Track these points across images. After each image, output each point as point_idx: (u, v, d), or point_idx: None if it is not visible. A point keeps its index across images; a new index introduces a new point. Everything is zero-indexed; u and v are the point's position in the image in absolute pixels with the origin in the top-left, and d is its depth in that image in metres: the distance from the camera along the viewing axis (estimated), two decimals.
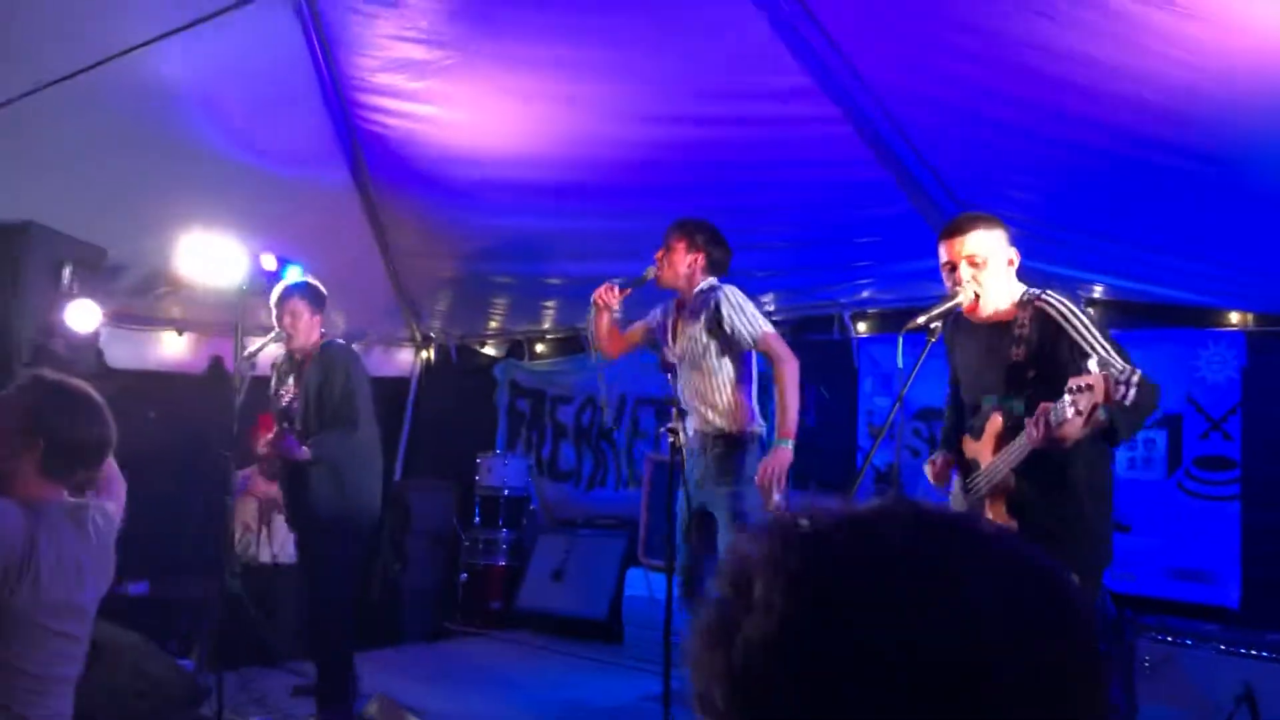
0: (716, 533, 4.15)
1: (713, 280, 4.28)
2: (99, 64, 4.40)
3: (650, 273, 4.30)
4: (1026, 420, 2.93)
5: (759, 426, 4.19)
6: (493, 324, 8.08)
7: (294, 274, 5.32)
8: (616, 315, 4.44)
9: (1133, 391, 2.69)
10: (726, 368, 4.15)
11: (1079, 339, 3.01)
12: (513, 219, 6.16)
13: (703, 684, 0.68)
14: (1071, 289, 5.50)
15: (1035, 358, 3.10)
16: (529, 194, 5.87)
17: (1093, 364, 2.74)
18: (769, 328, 4.20)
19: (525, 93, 5.13)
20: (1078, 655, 0.66)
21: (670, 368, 4.33)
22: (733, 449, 4.13)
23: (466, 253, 6.82)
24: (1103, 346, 2.98)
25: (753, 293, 6.60)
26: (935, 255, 5.14)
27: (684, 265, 4.27)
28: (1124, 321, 5.53)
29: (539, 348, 8.18)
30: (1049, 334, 3.08)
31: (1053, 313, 3.07)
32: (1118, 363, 2.80)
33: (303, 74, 5.35)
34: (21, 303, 4.44)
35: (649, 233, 5.81)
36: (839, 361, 6.51)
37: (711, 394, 4.16)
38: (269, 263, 5.36)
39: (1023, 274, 3.30)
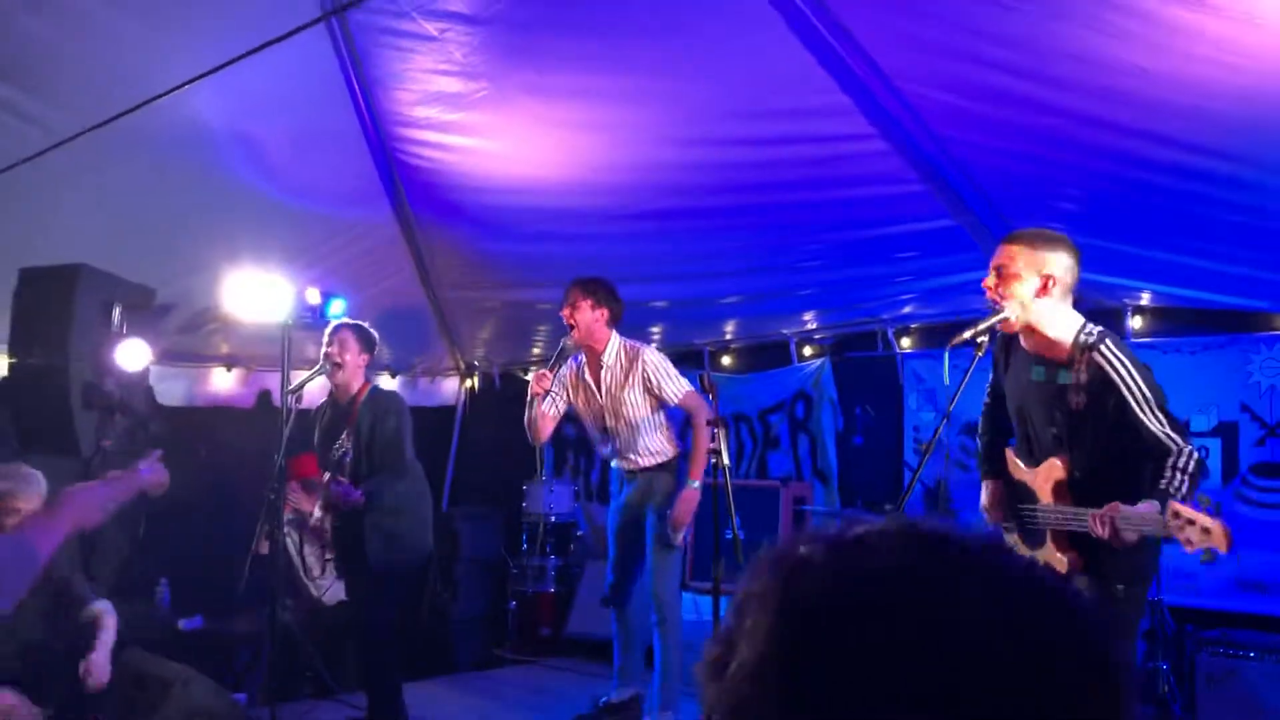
0: (646, 546, 4.87)
1: (624, 341, 4.91)
2: (141, 105, 4.48)
3: (569, 343, 4.80)
4: (1091, 517, 2.88)
5: (678, 448, 4.98)
6: (535, 350, 8.12)
7: (338, 307, 5.40)
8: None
9: (1187, 482, 2.78)
10: (656, 419, 4.89)
11: (1133, 403, 2.96)
12: (552, 246, 6.19)
13: (709, 713, 0.67)
14: (1118, 297, 5.44)
15: (1090, 407, 3.05)
16: (567, 221, 5.91)
17: (1205, 519, 2.68)
18: (687, 385, 4.88)
19: (559, 121, 5.16)
20: (1088, 678, 0.62)
21: (590, 415, 5.00)
22: (664, 470, 4.92)
23: (507, 281, 6.86)
24: (1158, 417, 2.93)
25: (793, 311, 6.66)
26: (977, 269, 5.11)
27: (591, 321, 4.82)
28: (1173, 329, 5.45)
29: None
30: (1100, 387, 3.01)
31: (1109, 369, 3.00)
32: (1177, 440, 2.87)
33: (342, 110, 5.43)
34: (74, 343, 4.52)
35: (689, 255, 5.86)
36: (882, 378, 6.47)
37: (647, 441, 4.89)
38: (313, 297, 5.44)
39: None
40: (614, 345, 4.91)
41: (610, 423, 4.94)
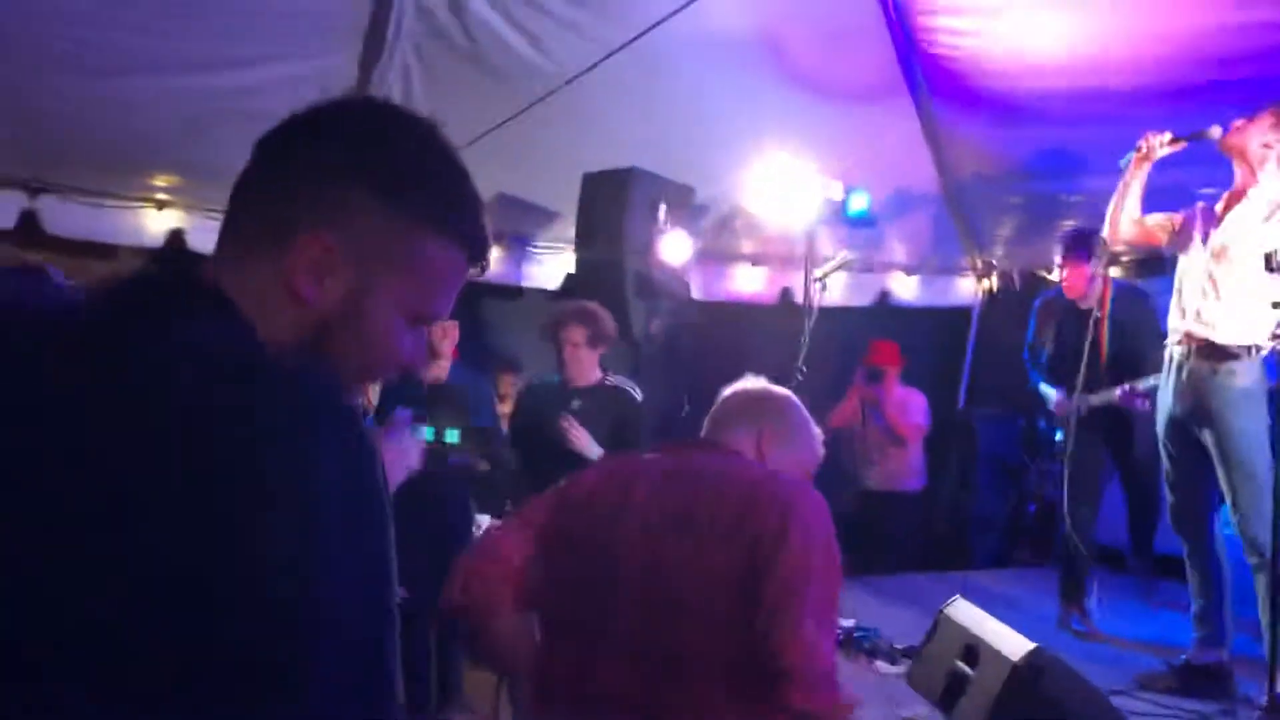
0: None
1: None
2: (676, 13, 4.82)
3: (1215, 132, 3.68)
4: None
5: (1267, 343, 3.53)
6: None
7: (860, 202, 5.52)
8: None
9: None
10: (1272, 286, 3.40)
11: None
12: (1083, 130, 5.79)
13: None
14: None
15: None
16: (1099, 102, 5.48)
17: None
18: None
19: None
20: None
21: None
22: (1246, 359, 3.61)
23: (1032, 173, 6.55)
24: None
25: None
26: None
27: (1260, 142, 3.63)
28: None
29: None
30: None
31: None
32: None
33: (866, 6, 5.46)
34: (627, 236, 5.06)
35: None
36: None
37: (1246, 306, 3.58)
38: (836, 193, 5.59)
39: None
40: (1273, 170, 3.62)
41: (1209, 267, 3.71)
